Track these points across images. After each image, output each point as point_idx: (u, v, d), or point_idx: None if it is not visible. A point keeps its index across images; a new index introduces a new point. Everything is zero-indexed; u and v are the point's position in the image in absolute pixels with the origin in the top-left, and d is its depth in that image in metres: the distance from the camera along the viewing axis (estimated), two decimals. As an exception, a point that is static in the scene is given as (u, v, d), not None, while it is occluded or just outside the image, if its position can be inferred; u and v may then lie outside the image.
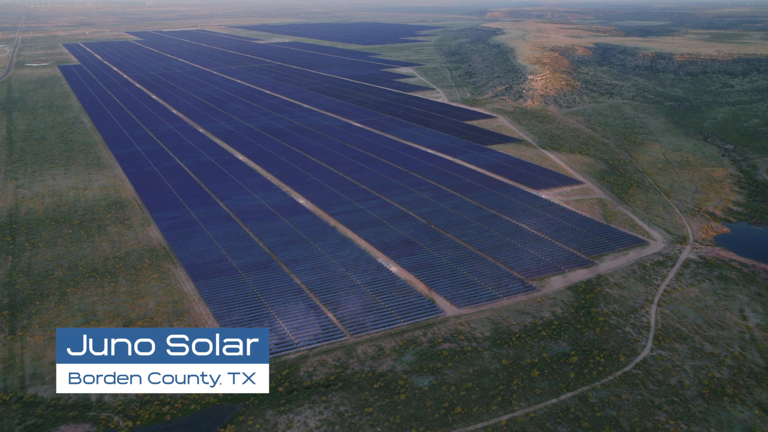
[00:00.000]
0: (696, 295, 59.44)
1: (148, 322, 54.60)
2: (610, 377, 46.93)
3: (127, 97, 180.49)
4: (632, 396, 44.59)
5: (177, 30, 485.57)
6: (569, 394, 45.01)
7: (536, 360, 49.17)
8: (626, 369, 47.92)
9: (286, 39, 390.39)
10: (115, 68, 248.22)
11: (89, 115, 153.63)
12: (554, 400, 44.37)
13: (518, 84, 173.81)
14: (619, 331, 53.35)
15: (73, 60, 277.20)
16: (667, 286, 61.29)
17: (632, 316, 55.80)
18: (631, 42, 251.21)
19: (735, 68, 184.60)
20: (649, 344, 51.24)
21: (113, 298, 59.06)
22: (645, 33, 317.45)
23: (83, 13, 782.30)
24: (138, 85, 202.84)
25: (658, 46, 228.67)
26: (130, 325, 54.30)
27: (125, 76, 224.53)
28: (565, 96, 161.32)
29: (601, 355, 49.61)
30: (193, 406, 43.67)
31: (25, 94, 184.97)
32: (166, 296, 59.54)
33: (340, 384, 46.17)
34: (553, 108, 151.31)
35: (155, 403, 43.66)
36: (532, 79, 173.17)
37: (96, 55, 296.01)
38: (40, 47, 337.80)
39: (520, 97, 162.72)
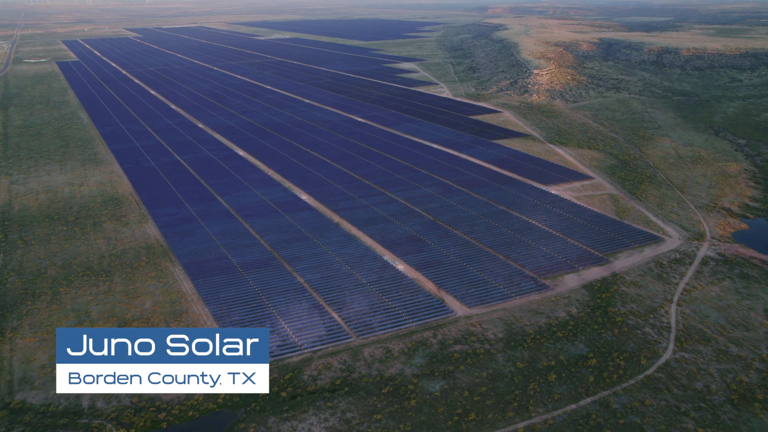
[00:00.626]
0: (717, 294, 56.84)
1: (145, 323, 52.07)
2: (632, 381, 44.39)
3: (126, 92, 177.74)
4: (656, 401, 42.04)
5: (177, 27, 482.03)
6: (589, 399, 42.51)
7: (553, 363, 46.63)
8: (648, 372, 45.36)
9: (287, 35, 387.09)
10: (113, 64, 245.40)
11: (87, 110, 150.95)
12: (573, 406, 41.86)
13: (523, 79, 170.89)
14: (639, 331, 50.80)
15: (72, 56, 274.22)
16: (686, 284, 58.70)
17: (651, 316, 53.24)
18: (635, 37, 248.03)
19: (743, 63, 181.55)
20: (671, 346, 48.69)
21: (108, 297, 56.54)
22: (649, 28, 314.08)
23: (82, 11, 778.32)
24: (137, 81, 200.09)
25: (664, 41, 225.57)
26: (125, 326, 51.77)
27: (124, 72, 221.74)
28: (571, 91, 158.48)
29: (621, 358, 47.07)
30: (191, 413, 41.17)
31: (22, 89, 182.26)
32: (163, 296, 57.02)
33: (347, 389, 43.66)
34: (559, 103, 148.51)
35: (151, 409, 41.15)
36: (537, 74, 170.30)
37: (95, 52, 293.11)
38: (38, 44, 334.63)
39: (526, 91, 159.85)
